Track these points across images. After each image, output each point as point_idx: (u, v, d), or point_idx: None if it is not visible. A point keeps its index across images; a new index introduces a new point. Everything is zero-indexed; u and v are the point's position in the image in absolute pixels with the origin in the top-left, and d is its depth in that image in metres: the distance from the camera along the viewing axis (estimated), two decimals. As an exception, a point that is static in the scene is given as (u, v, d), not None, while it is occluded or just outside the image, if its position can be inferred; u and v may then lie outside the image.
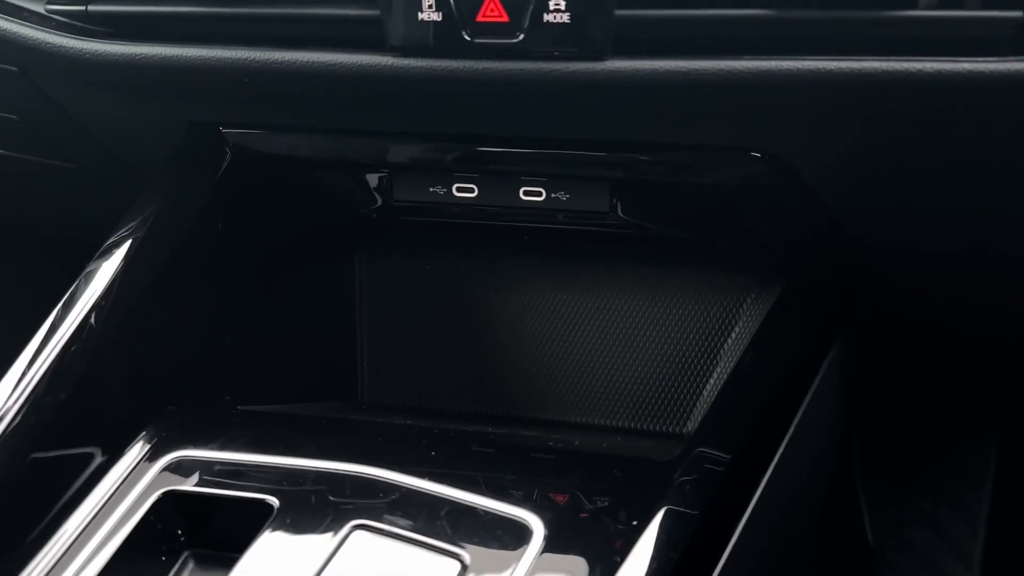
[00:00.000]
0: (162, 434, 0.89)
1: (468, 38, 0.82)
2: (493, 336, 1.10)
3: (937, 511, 1.36)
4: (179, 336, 0.99)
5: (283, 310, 1.09)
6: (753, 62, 0.78)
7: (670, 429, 1.03)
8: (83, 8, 0.94)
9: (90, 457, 0.88)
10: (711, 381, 1.02)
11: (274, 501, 0.81)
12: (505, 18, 0.81)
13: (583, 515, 0.80)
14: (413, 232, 1.09)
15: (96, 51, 0.94)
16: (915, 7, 0.76)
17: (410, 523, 0.78)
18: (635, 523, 0.77)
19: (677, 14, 0.80)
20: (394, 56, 0.85)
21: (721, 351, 1.03)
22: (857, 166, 0.87)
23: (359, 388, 1.11)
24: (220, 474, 0.85)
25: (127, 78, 0.95)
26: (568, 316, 1.08)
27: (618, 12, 0.80)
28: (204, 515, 0.85)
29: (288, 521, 0.80)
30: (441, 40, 0.83)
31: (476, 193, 0.98)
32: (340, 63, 0.87)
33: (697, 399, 1.03)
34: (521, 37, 0.81)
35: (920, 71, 0.75)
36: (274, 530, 0.80)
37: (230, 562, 0.79)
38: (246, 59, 0.89)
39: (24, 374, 0.88)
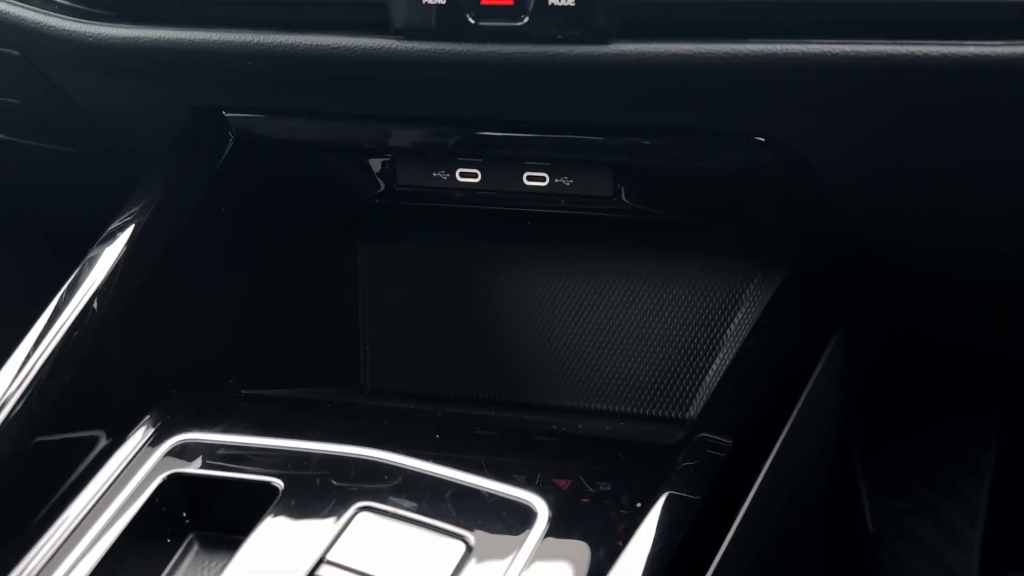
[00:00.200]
0: (166, 417, 0.89)
1: (472, 21, 0.82)
2: (495, 322, 1.10)
3: (937, 500, 1.36)
4: (182, 321, 0.99)
5: (285, 296, 1.09)
6: (759, 45, 0.78)
7: (673, 414, 1.03)
8: (85, -10, 0.94)
9: (94, 441, 0.88)
10: (714, 367, 1.02)
11: (279, 483, 0.81)
12: (509, 1, 0.81)
13: (586, 498, 0.80)
14: (416, 217, 1.09)
15: (98, 34, 0.93)
16: (922, -9, 0.76)
17: (415, 505, 0.78)
18: (638, 507, 0.78)
19: (682, -3, 0.80)
20: (398, 39, 0.85)
21: (724, 337, 1.03)
22: (861, 152, 0.86)
23: (361, 373, 1.11)
24: (224, 457, 0.85)
25: (130, 62, 0.95)
26: (571, 302, 1.08)
27: (623, -5, 0.80)
28: (209, 498, 0.85)
29: (293, 503, 0.80)
30: (445, 23, 0.83)
31: (479, 178, 0.97)
32: (344, 46, 0.86)
33: (699, 385, 1.03)
34: (526, 20, 0.81)
35: (926, 55, 0.75)
36: (279, 512, 0.80)
37: (235, 544, 0.79)
38: (250, 42, 0.89)
39: (27, 359, 0.88)
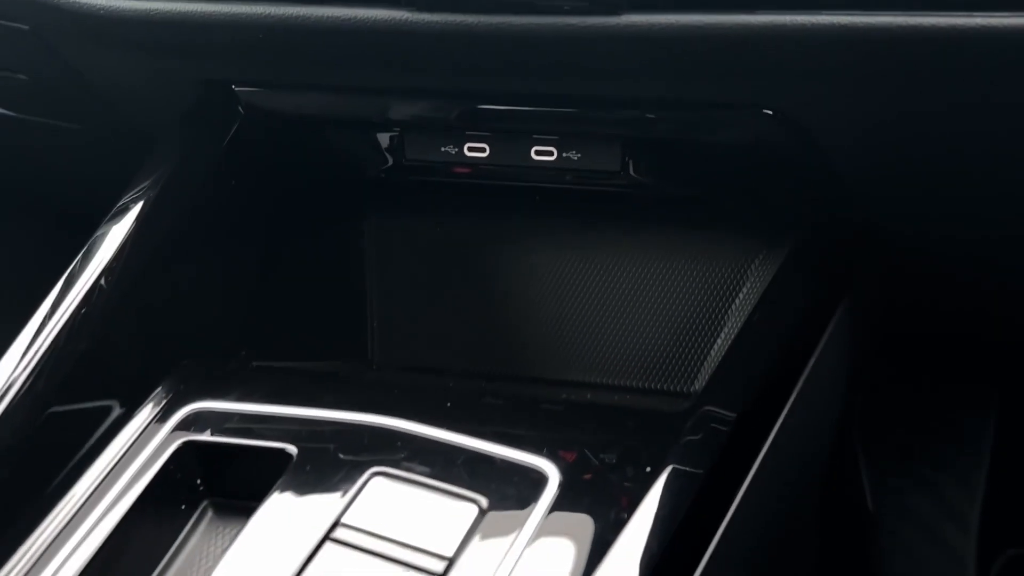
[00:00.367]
0: (179, 387, 0.90)
1: (484, -8, 0.83)
2: (502, 296, 1.10)
3: (936, 478, 1.37)
4: (192, 294, 1.00)
5: (294, 270, 1.10)
6: (768, 16, 0.79)
7: (678, 388, 1.04)
8: (96, -37, 0.94)
9: (108, 410, 0.89)
10: (719, 341, 1.03)
11: (292, 450, 0.82)
12: (521, -27, 0.82)
13: (595, 464, 0.81)
14: (424, 192, 1.10)
15: (109, 6, 0.93)
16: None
17: (428, 470, 0.79)
18: (647, 471, 0.79)
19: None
20: (409, 11, 0.85)
21: (729, 311, 1.03)
22: (867, 126, 0.87)
23: (369, 347, 1.11)
24: (238, 425, 0.86)
25: (140, 34, 0.95)
26: (578, 276, 1.08)
27: (634, -34, 0.80)
28: (223, 465, 0.86)
29: (307, 469, 0.81)
30: (457, -6, 0.83)
31: (487, 152, 0.98)
32: (356, 18, 0.87)
33: (705, 358, 1.03)
34: (537, -10, 0.82)
35: (934, 25, 0.76)
36: (293, 478, 0.80)
37: (249, 511, 0.80)
38: (261, 14, 0.89)
39: (39, 331, 0.88)
